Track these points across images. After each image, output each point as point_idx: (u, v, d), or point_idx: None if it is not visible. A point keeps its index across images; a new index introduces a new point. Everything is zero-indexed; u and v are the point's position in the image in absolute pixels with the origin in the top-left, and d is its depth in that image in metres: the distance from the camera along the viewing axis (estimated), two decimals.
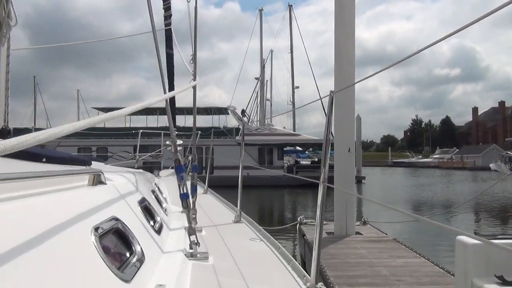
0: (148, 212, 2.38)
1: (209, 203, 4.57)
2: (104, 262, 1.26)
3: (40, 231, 1.06)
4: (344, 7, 7.46)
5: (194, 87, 2.98)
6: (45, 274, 0.97)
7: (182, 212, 3.68)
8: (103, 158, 30.90)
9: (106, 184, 1.85)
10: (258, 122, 40.71)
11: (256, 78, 43.77)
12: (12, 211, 1.07)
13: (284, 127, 38.97)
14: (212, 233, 3.03)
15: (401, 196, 25.45)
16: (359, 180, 34.66)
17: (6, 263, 0.85)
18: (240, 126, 33.65)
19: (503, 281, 3.09)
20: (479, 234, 11.81)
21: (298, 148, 42.37)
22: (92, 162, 4.11)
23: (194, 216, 3.04)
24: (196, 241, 2.16)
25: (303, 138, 33.72)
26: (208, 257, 2.18)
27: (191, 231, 2.17)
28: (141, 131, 8.43)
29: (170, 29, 6.80)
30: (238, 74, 64.16)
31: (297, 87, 44.44)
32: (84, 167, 2.35)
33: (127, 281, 1.33)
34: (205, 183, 6.17)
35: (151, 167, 9.22)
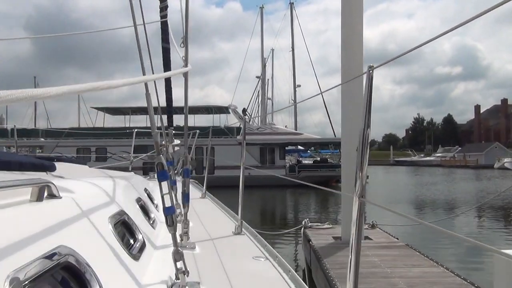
0: (126, 229, 1.91)
1: (206, 210, 4.11)
2: None
3: None
4: None
5: (186, 74, 2.52)
6: None
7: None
8: (102, 159, 30.55)
9: (60, 198, 1.38)
10: (259, 118, 40.26)
11: (257, 77, 43.31)
12: None
13: (286, 126, 38.53)
14: (207, 250, 2.56)
15: (407, 195, 24.93)
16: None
17: None
18: (241, 125, 32.99)
19: None
20: None
21: (300, 147, 41.91)
22: (71, 164, 3.66)
23: (186, 230, 2.58)
24: (183, 269, 1.69)
25: (305, 137, 33.25)
26: None
27: (177, 256, 1.70)
28: (135, 130, 7.96)
29: (166, 21, 6.34)
30: (239, 73, 63.76)
31: (299, 86, 43.99)
32: (41, 175, 1.88)
33: None
34: (203, 186, 5.71)
35: (151, 168, 8.74)
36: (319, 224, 8.26)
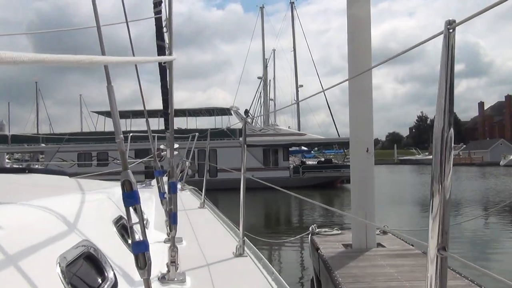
0: (88, 267, 1.46)
1: (204, 223, 3.66)
2: None
3: None
4: None
5: (170, 65, 2.07)
6: None
7: (165, 241, 2.77)
8: (104, 164, 30.12)
9: None
10: (262, 118, 39.84)
11: (259, 78, 42.90)
12: None
13: (289, 127, 38.06)
14: (201, 282, 2.10)
15: (416, 195, 24.36)
16: None
17: None
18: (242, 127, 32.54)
19: None
20: None
21: (303, 148, 41.44)
22: (43, 176, 3.22)
23: (174, 259, 2.11)
24: None
25: (309, 137, 32.78)
26: None
27: None
28: (130, 134, 7.50)
29: (160, 18, 5.89)
30: (241, 75, 63.28)
31: (301, 86, 43.54)
32: None
33: None
34: (202, 193, 5.22)
35: (152, 172, 8.29)
36: (327, 230, 7.79)
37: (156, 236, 2.77)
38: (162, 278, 2.01)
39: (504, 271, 7.95)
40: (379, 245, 6.62)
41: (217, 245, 2.92)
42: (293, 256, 9.53)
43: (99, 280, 1.45)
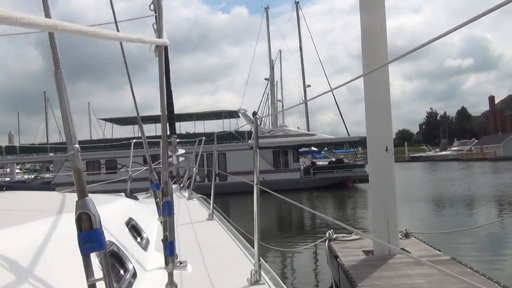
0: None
1: (213, 240, 3.22)
2: None
3: None
4: None
5: (161, 50, 1.66)
6: None
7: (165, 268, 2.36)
8: (113, 172, 29.84)
9: None
10: (270, 120, 39.38)
11: (266, 79, 42.45)
12: None
13: (298, 128, 37.56)
14: None
15: (430, 193, 23.71)
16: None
17: None
18: (252, 129, 32.07)
19: None
20: None
21: (313, 148, 40.89)
22: (19, 193, 2.82)
23: None
24: None
25: (319, 137, 32.22)
26: None
27: None
28: (133, 141, 7.13)
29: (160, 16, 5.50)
30: (247, 77, 62.87)
31: (309, 86, 42.92)
32: None
33: None
34: (210, 202, 4.75)
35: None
36: (345, 235, 7.32)
37: (156, 259, 2.35)
38: None
39: None
40: (402, 250, 6.14)
41: (229, 269, 2.49)
42: (308, 263, 9.02)
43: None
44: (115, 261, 1.80)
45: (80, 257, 1.42)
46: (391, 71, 6.28)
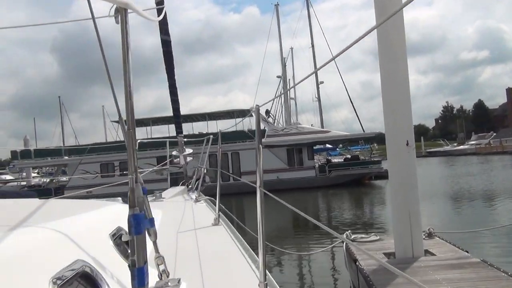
0: None
1: (215, 250, 2.83)
2: None
3: None
4: None
5: (122, 13, 1.29)
6: None
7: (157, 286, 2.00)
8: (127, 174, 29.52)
9: None
10: (284, 117, 38.91)
11: (278, 77, 41.93)
12: None
13: (311, 125, 37.02)
14: None
15: (450, 189, 23.02)
16: None
17: None
18: (265, 128, 31.83)
19: None
20: None
21: (328, 145, 40.32)
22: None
23: None
24: None
25: (334, 134, 31.66)
26: None
27: None
28: (138, 141, 6.79)
29: (162, 9, 5.09)
30: (259, 76, 62.30)
31: (322, 82, 42.33)
32: None
33: None
34: (216, 204, 4.34)
35: (176, 179, 7.59)
36: (363, 236, 6.91)
37: (150, 278, 1.98)
38: None
39: None
40: (427, 252, 5.71)
41: (231, 286, 2.11)
42: (324, 266, 8.56)
43: None
44: (87, 285, 1.44)
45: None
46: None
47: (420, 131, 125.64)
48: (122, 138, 35.26)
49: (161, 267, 1.83)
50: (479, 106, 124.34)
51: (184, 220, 3.86)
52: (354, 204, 21.27)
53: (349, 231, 7.03)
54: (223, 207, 4.63)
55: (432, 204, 16.67)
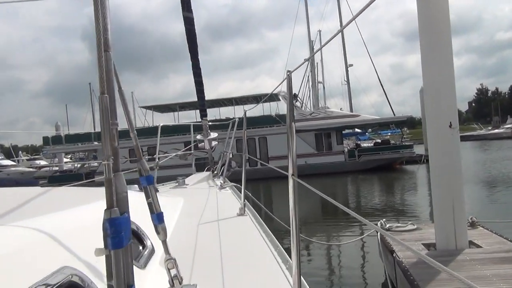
0: None
1: (240, 245, 2.48)
2: None
3: None
4: None
5: None
6: None
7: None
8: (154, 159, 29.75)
9: None
10: (311, 101, 38.20)
11: (306, 60, 41.06)
12: None
13: (341, 109, 36.23)
14: None
15: (488, 174, 22.02)
16: (428, 159, 31.30)
17: None
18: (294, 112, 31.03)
19: None
20: None
21: (357, 130, 39.46)
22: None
23: None
24: None
25: (363, 118, 30.85)
26: None
27: None
28: (161, 125, 6.55)
29: None
30: (286, 60, 61.42)
31: (351, 65, 41.28)
32: None
33: None
34: (241, 192, 3.98)
35: (204, 164, 7.31)
36: (399, 225, 6.47)
37: (160, 279, 1.67)
38: None
39: None
40: (471, 244, 5.25)
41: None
42: (355, 256, 8.10)
43: None
44: None
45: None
46: None
47: None
48: (151, 124, 35.47)
49: (173, 272, 1.53)
50: None
51: (207, 209, 3.54)
52: (385, 190, 20.64)
53: (384, 219, 6.60)
54: (250, 194, 4.30)
55: (469, 190, 15.92)
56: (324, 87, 47.77)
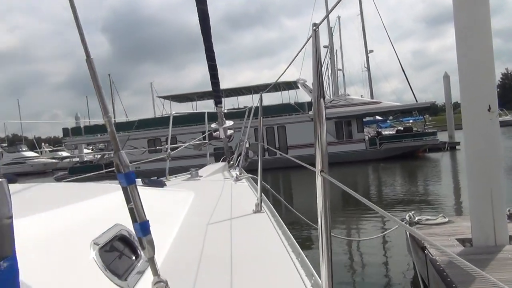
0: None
1: (255, 250, 2.10)
2: None
3: None
4: None
5: None
6: None
7: None
8: (172, 149, 29.62)
9: None
10: (331, 88, 37.48)
11: (325, 47, 40.33)
12: None
13: (361, 96, 35.47)
14: None
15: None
16: (452, 146, 30.47)
17: None
18: (312, 100, 30.52)
19: None
20: None
21: (378, 117, 38.67)
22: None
23: None
24: None
25: (385, 105, 30.06)
26: None
27: None
28: (173, 114, 6.20)
29: None
30: (305, 47, 60.31)
31: (371, 51, 40.39)
32: None
33: None
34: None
35: (222, 153, 6.97)
36: (429, 218, 6.02)
37: None
38: None
39: None
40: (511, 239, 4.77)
41: None
42: (380, 251, 7.63)
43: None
44: None
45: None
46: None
47: None
48: (168, 113, 35.34)
49: None
50: None
51: (220, 205, 3.17)
52: (408, 179, 20.00)
53: (412, 212, 6.15)
54: (268, 186, 3.91)
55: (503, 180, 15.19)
56: (344, 75, 46.97)
